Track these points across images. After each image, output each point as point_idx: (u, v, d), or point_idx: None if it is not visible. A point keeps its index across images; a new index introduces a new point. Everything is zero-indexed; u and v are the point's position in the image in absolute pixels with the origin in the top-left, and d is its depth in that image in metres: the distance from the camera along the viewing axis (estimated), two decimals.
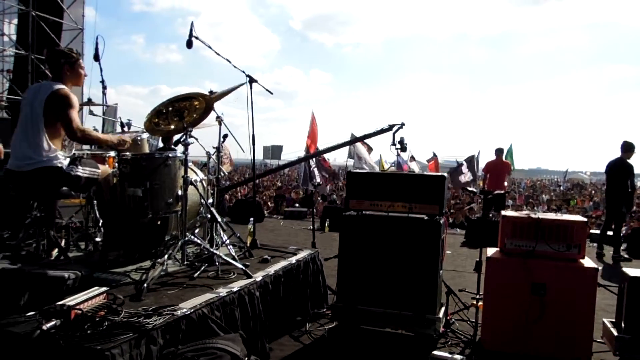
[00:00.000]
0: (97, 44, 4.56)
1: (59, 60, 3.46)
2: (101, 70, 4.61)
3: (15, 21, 12.00)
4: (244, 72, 4.23)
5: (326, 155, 13.53)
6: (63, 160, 3.32)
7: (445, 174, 3.75)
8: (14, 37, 12.01)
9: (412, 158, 15.73)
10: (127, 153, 3.54)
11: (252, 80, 4.24)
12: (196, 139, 3.75)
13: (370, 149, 14.33)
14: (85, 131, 3.43)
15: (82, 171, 3.40)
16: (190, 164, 3.66)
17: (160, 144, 4.41)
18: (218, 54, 4.15)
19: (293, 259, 3.90)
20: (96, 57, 4.54)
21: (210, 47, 4.06)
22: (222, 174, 4.54)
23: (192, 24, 3.98)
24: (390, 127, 7.01)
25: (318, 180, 12.49)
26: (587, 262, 3.40)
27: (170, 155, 3.48)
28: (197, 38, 3.97)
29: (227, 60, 4.19)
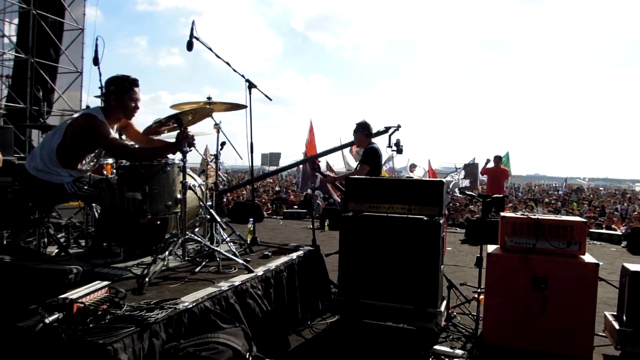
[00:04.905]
0: (96, 46, 4.34)
1: (109, 88, 3.39)
2: (100, 75, 4.30)
3: (16, 21, 12.04)
4: (243, 76, 4.15)
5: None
6: (66, 178, 3.34)
7: (444, 179, 3.78)
8: (14, 39, 12.04)
9: (413, 166, 15.71)
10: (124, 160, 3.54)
11: (251, 86, 4.15)
12: (194, 147, 3.73)
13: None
14: (117, 143, 3.39)
15: (85, 191, 3.45)
16: (188, 170, 3.66)
17: None
18: (218, 57, 4.01)
19: (294, 255, 3.91)
20: (95, 61, 4.29)
21: (210, 49, 3.92)
22: (221, 179, 4.55)
23: (192, 22, 3.87)
24: (387, 129, 7.01)
25: (318, 183, 12.55)
26: (588, 257, 3.41)
27: (168, 162, 3.48)
28: (197, 39, 3.86)
29: (227, 63, 4.07)
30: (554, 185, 41.63)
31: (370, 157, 5.19)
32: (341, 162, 14.69)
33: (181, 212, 3.47)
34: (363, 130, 5.34)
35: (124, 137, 3.93)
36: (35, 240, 3.73)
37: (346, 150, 13.59)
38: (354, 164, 14.26)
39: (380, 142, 5.52)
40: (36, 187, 3.32)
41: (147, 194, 3.33)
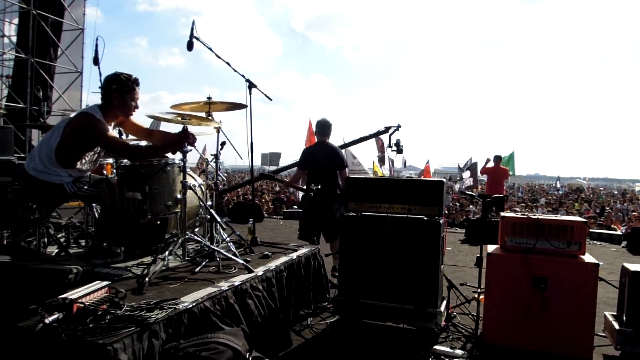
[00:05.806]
0: (96, 46, 4.32)
1: (110, 86, 3.37)
2: (100, 74, 4.19)
3: (16, 21, 12.04)
4: (243, 76, 4.12)
5: None
6: (66, 178, 3.34)
7: (444, 179, 3.79)
8: (14, 39, 12.05)
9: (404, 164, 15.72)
10: (125, 160, 3.54)
11: (251, 86, 4.13)
12: (194, 146, 3.73)
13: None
14: (116, 141, 3.38)
15: (85, 191, 3.45)
16: (188, 169, 3.66)
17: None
18: (218, 57, 3.99)
19: (294, 255, 3.91)
20: (95, 61, 4.31)
21: (210, 49, 3.90)
22: (221, 179, 4.55)
23: (193, 22, 3.84)
24: (387, 129, 6.99)
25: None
26: (588, 257, 3.42)
27: (168, 162, 3.49)
28: (197, 39, 3.83)
29: (227, 63, 4.05)
30: (554, 185, 41.68)
31: (299, 160, 5.40)
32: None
33: (181, 212, 3.47)
34: (315, 129, 5.48)
35: (123, 135, 3.93)
36: (35, 240, 3.73)
37: (350, 148, 13.60)
38: (360, 161, 14.26)
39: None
40: (36, 187, 3.32)
41: (147, 194, 3.33)
